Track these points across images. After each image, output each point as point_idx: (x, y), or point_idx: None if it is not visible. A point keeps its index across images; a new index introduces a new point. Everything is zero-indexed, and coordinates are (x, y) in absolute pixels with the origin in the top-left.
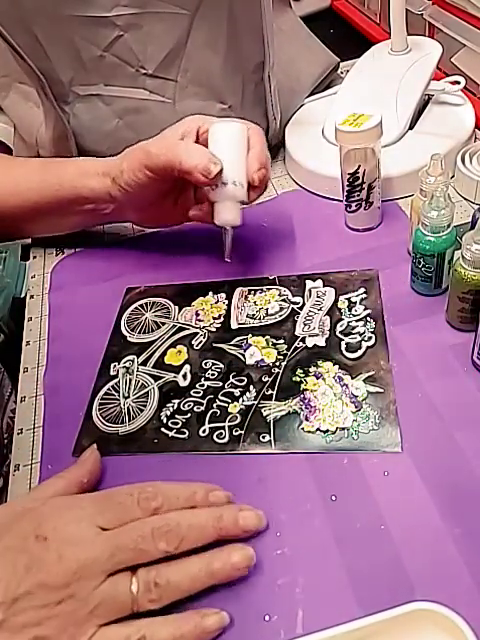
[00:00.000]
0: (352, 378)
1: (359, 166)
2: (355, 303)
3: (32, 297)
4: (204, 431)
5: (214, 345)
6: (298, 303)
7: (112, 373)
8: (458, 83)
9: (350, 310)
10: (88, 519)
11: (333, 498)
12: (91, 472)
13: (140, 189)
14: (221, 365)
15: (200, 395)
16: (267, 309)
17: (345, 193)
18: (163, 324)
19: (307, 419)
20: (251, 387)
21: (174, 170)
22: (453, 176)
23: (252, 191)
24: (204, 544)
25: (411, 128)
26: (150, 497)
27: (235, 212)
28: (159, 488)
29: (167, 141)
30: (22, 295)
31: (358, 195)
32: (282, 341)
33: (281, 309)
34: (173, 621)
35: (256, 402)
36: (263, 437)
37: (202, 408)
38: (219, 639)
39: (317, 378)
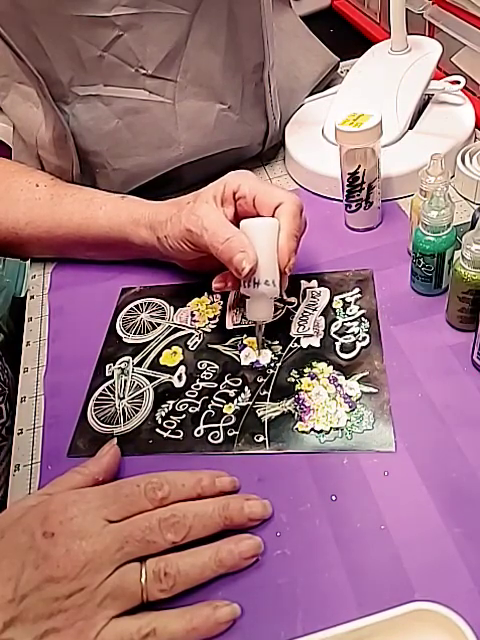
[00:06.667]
0: (346, 378)
1: (359, 166)
2: (350, 303)
3: (32, 297)
4: (199, 432)
5: (209, 346)
6: (293, 303)
7: (107, 374)
8: (458, 83)
9: (345, 310)
10: (94, 512)
11: (333, 498)
12: (107, 470)
13: (183, 254)
14: (216, 366)
15: (195, 396)
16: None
17: (345, 193)
18: (158, 325)
19: (301, 419)
20: (246, 388)
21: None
22: (453, 176)
23: (283, 279)
24: (211, 534)
25: (411, 128)
26: (156, 487)
27: (268, 309)
28: (164, 477)
29: (208, 219)
30: (22, 295)
31: (358, 195)
32: (277, 342)
33: (276, 310)
34: (185, 613)
35: (251, 403)
36: (257, 437)
37: (197, 409)
38: (218, 639)
39: (311, 379)
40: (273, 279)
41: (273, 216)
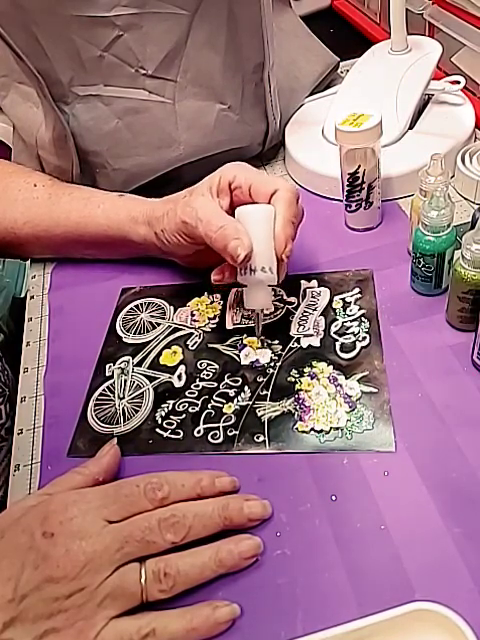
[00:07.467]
0: (346, 378)
1: (359, 166)
2: (350, 303)
3: (32, 297)
4: (199, 432)
5: (209, 345)
6: (293, 303)
7: (107, 374)
8: (458, 83)
9: (345, 310)
10: (94, 512)
11: (333, 498)
12: (107, 470)
13: (180, 248)
14: (216, 366)
15: (195, 396)
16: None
17: (345, 193)
18: (158, 325)
19: (301, 419)
20: (246, 387)
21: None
22: (453, 176)
23: (280, 266)
24: (211, 534)
25: (411, 128)
26: (156, 487)
27: (266, 297)
28: (164, 477)
29: (203, 209)
30: (22, 295)
31: (358, 195)
32: (277, 341)
33: (276, 309)
34: (184, 613)
35: (251, 402)
36: (257, 437)
37: (197, 409)
38: (218, 639)
39: (311, 378)
40: (270, 266)
41: (269, 204)
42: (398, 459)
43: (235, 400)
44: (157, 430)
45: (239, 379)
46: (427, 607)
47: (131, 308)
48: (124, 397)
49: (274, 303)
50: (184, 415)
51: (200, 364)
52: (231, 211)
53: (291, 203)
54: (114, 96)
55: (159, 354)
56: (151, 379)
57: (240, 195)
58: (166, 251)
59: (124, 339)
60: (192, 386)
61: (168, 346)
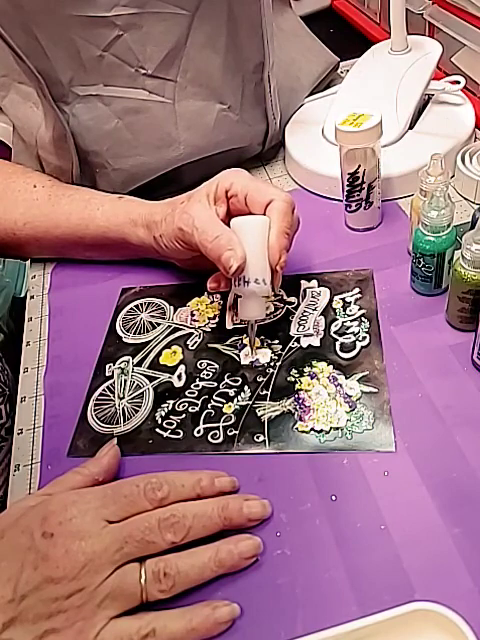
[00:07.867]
0: (346, 378)
1: (359, 166)
2: (350, 303)
3: (32, 297)
4: (199, 431)
5: (209, 345)
6: (293, 303)
7: (107, 374)
8: (458, 83)
9: (345, 310)
10: (93, 512)
11: (333, 498)
12: (107, 470)
13: (178, 253)
14: (216, 365)
15: (195, 395)
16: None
17: (345, 193)
18: (158, 324)
19: (301, 419)
20: (246, 387)
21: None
22: (453, 176)
23: (275, 277)
24: (211, 534)
25: (411, 128)
26: (156, 487)
27: (259, 308)
28: (164, 477)
29: (199, 217)
30: (22, 295)
31: (358, 195)
32: (277, 341)
33: (276, 309)
34: (184, 613)
35: (251, 402)
36: (257, 437)
37: (197, 408)
38: (218, 639)
39: (311, 378)
40: (263, 277)
41: (264, 214)
42: (398, 459)
43: (235, 400)
44: (157, 430)
45: (239, 379)
46: (427, 607)
47: (131, 308)
48: (124, 397)
49: (274, 303)
50: (184, 415)
51: (200, 364)
52: (227, 220)
53: (286, 214)
54: (114, 96)
55: (159, 354)
56: (151, 379)
57: (236, 203)
58: (164, 254)
59: (124, 339)
60: (192, 386)
61: (168, 346)
